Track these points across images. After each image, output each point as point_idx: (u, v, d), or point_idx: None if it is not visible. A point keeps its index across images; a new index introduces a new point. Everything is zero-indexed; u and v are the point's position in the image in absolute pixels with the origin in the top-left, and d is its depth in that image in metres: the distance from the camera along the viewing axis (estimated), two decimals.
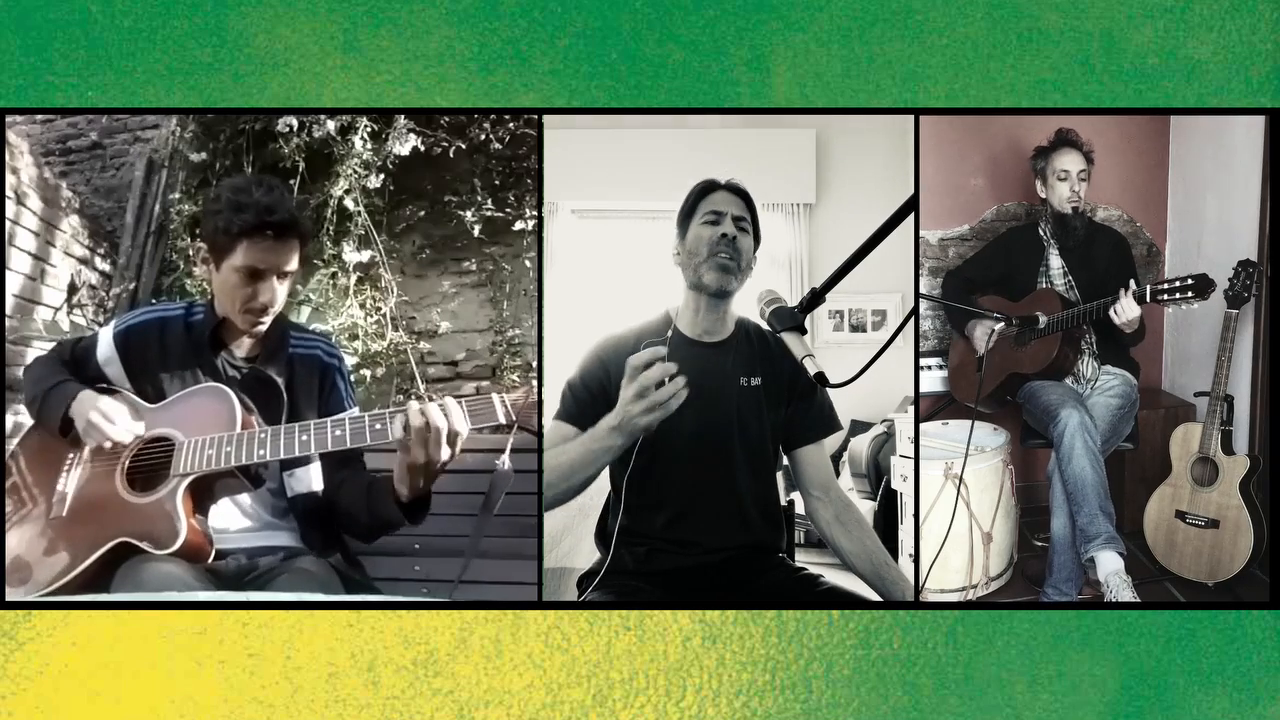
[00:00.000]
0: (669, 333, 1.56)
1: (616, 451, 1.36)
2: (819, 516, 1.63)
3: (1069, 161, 2.18)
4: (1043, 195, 2.25)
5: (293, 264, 1.58)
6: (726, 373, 1.57)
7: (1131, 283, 2.03)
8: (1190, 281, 1.94)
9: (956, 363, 2.36)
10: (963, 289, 2.31)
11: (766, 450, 1.60)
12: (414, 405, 1.43)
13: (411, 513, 1.52)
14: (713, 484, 1.56)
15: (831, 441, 1.71)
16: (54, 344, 1.69)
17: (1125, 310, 2.02)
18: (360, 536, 1.68)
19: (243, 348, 1.64)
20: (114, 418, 1.53)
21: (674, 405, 1.27)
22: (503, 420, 1.45)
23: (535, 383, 1.54)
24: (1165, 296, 1.97)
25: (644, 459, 1.51)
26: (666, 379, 1.27)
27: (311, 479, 1.64)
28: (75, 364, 1.63)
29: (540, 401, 1.49)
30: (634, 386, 1.28)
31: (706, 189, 1.59)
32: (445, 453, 1.43)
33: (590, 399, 1.52)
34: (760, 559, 1.61)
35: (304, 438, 1.48)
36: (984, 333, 2.20)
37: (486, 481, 1.56)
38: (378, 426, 1.46)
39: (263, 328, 1.61)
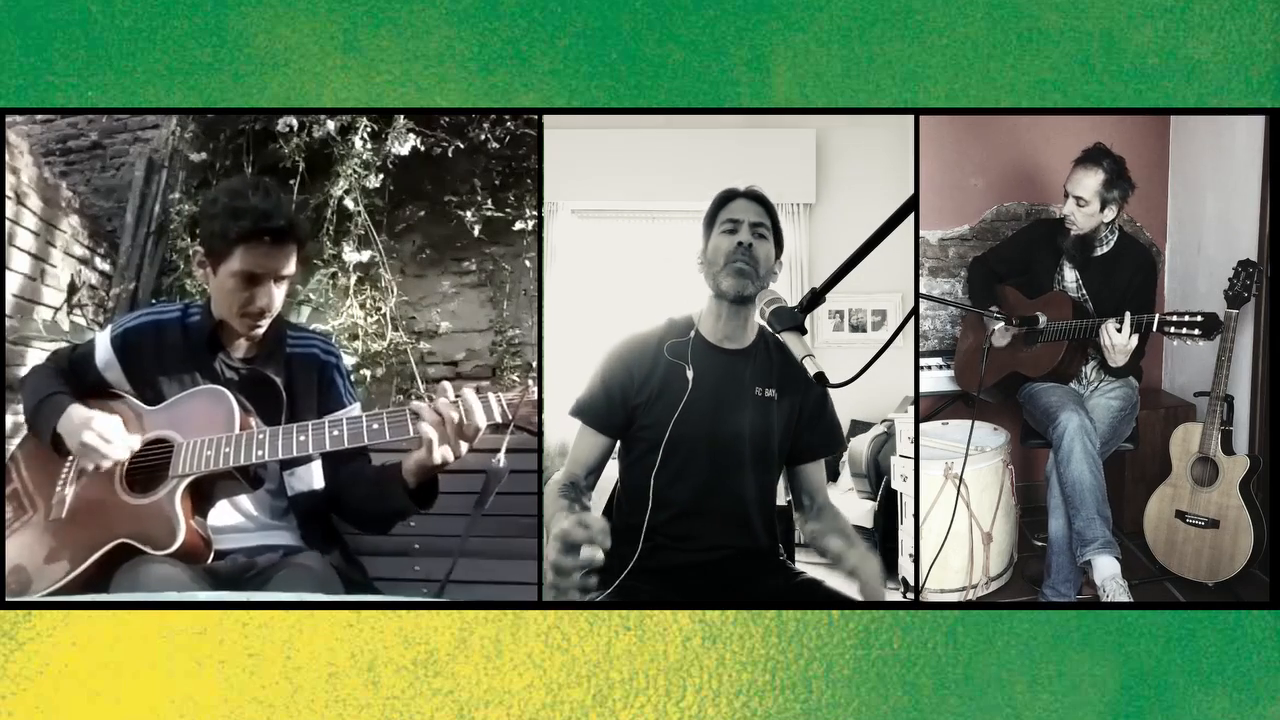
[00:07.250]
0: (691, 334, 1.58)
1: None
2: (806, 527, 1.66)
3: (1082, 186, 2.11)
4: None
5: (289, 268, 1.58)
6: (743, 381, 1.59)
7: (1127, 314, 1.99)
8: (1200, 319, 1.92)
9: (965, 350, 2.35)
10: (987, 278, 2.28)
11: (772, 460, 1.61)
12: (443, 399, 1.44)
13: (421, 499, 1.53)
14: (719, 487, 1.57)
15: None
16: (52, 352, 1.68)
17: (1115, 343, 1.99)
18: (374, 529, 1.69)
19: (240, 349, 1.64)
20: (110, 436, 1.52)
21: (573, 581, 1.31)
22: (499, 419, 1.46)
23: (535, 382, 1.54)
24: (1172, 330, 1.95)
25: (676, 460, 1.54)
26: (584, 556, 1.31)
27: (313, 477, 1.64)
28: (74, 372, 1.63)
29: (540, 400, 1.49)
30: (556, 546, 1.32)
31: (726, 198, 1.60)
32: (464, 448, 1.45)
33: (609, 405, 1.56)
34: (758, 561, 1.62)
35: (302, 438, 1.48)
36: (992, 325, 2.18)
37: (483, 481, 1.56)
38: (374, 426, 1.47)
39: (260, 331, 1.61)
